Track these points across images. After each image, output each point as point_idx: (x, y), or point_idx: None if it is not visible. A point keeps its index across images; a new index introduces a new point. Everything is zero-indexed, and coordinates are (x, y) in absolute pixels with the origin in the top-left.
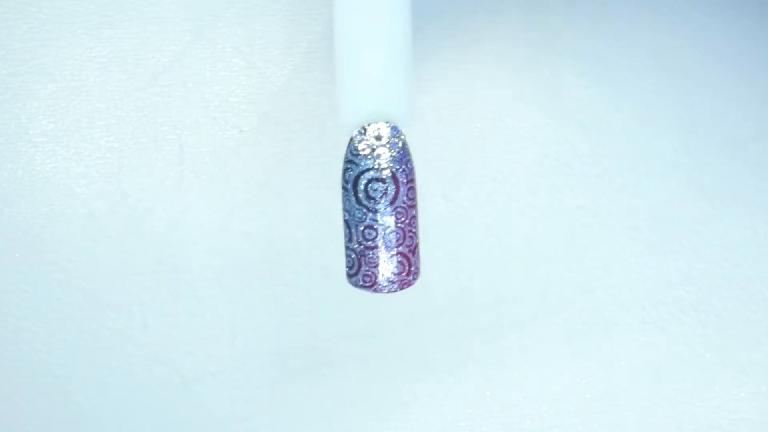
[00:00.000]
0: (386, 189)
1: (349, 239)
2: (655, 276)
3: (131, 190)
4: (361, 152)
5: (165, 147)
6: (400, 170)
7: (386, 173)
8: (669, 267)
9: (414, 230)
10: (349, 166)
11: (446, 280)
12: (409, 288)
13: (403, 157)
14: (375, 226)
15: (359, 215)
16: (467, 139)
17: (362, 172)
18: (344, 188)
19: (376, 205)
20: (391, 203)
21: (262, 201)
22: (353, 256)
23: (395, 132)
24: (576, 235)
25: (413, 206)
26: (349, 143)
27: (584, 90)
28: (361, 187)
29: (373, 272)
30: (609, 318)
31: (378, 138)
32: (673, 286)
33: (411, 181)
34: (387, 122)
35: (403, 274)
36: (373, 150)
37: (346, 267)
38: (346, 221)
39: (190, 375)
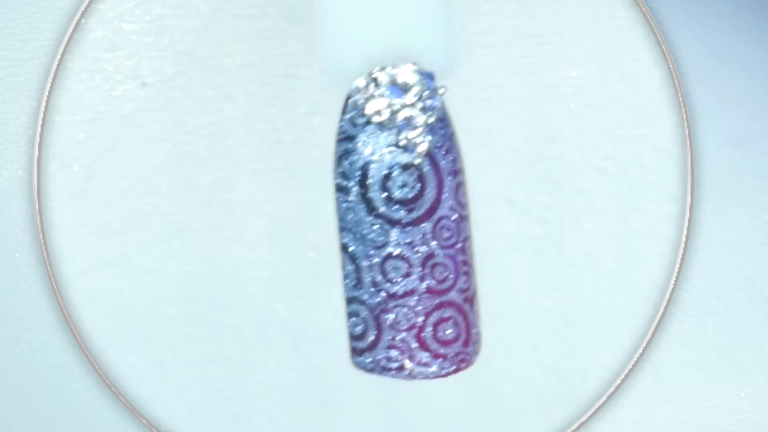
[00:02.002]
0: (422, 183)
1: (355, 284)
2: (655, 276)
3: (131, 189)
4: (371, 117)
5: (166, 146)
6: (442, 150)
7: (421, 152)
8: (669, 267)
9: (469, 261)
10: (348, 146)
11: None
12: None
13: (444, 127)
14: (407, 255)
15: (373, 234)
16: (467, 138)
17: (374, 154)
18: (341, 188)
19: (407, 213)
20: (431, 212)
21: (263, 201)
22: (364, 315)
23: (429, 82)
24: (576, 236)
25: (465, 217)
26: (347, 104)
27: (585, 89)
28: (376, 182)
29: (406, 343)
30: (609, 318)
31: (402, 89)
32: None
33: (458, 171)
34: (414, 64)
35: (458, 342)
36: (395, 112)
37: (351, 336)
38: (347, 250)
39: (191, 375)
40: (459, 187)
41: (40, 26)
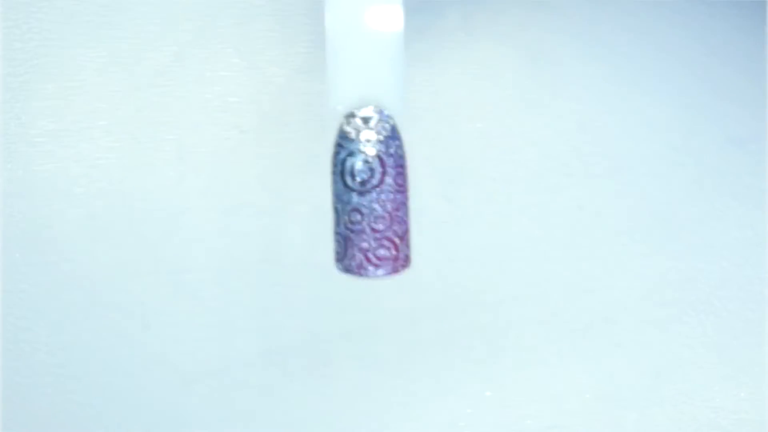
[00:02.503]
0: (372, 171)
1: (336, 224)
2: (656, 276)
3: (131, 190)
4: (347, 135)
5: (165, 147)
6: (387, 153)
7: (371, 154)
8: (669, 267)
9: (403, 217)
10: (337, 150)
11: (445, 280)
12: (400, 276)
13: (390, 141)
14: (361, 209)
15: (345, 198)
16: (467, 139)
17: (349, 154)
18: (333, 172)
19: (362, 188)
20: (377, 186)
21: (262, 201)
22: (340, 240)
23: (383, 116)
24: (576, 235)
25: (402, 192)
26: (339, 129)
27: (585, 90)
28: (347, 169)
29: (359, 256)
30: (609, 318)
31: (365, 121)
32: (673, 286)
33: (400, 166)
34: (374, 107)
35: (390, 259)
36: (359, 132)
37: (335, 252)
38: (334, 207)
39: (190, 375)
40: (398, 175)
41: (40, 26)
